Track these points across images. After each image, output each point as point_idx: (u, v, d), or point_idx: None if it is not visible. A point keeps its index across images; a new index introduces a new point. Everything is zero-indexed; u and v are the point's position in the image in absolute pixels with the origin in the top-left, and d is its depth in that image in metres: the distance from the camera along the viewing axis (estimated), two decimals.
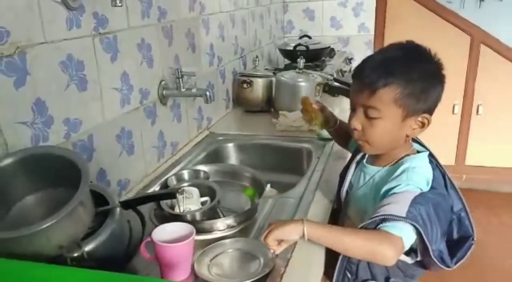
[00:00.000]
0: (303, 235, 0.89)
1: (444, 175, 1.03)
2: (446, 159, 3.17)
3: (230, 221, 1.05)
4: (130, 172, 1.29)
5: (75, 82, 1.03)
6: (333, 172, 1.41)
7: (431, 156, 1.05)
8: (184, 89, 1.46)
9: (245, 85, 2.02)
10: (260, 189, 1.22)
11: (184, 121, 1.62)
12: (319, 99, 1.97)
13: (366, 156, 1.12)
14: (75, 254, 0.78)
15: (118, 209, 0.89)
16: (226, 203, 1.17)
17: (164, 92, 1.44)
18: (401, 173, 0.97)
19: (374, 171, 1.06)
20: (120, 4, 1.00)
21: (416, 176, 0.95)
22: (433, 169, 1.00)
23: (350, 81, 2.16)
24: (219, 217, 1.09)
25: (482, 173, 3.24)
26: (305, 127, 1.77)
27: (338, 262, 1.04)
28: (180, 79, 1.45)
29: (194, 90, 1.48)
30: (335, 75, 2.29)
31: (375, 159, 1.09)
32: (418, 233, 0.90)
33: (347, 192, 1.14)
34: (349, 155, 1.59)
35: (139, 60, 1.30)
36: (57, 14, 0.96)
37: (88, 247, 0.83)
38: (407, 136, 0.99)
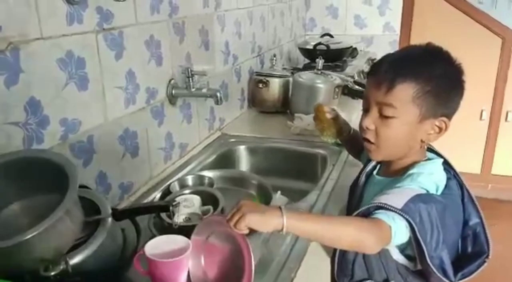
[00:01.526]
0: (282, 229, 0.76)
1: (461, 186, 0.96)
2: (471, 167, 3.04)
3: None
4: (133, 175, 1.24)
5: (75, 80, 0.98)
6: (348, 181, 1.32)
7: (447, 164, 0.97)
8: (194, 89, 1.40)
9: (261, 85, 1.95)
10: (267, 197, 1.15)
11: (194, 122, 1.56)
12: (337, 102, 1.89)
13: (377, 167, 1.05)
14: (58, 268, 0.72)
15: (110, 218, 0.84)
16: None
17: (173, 91, 1.38)
18: (405, 177, 0.90)
19: (383, 182, 0.98)
20: None
21: (423, 178, 0.88)
22: (448, 179, 0.93)
23: None
24: None
25: (509, 183, 3.10)
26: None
27: (336, 262, 0.97)
28: (190, 78, 1.38)
29: (204, 90, 1.41)
30: (356, 77, 2.19)
31: (385, 170, 1.02)
32: (413, 232, 0.82)
33: (357, 205, 1.05)
34: None
35: (146, 58, 1.24)
36: (56, 9, 0.91)
37: (74, 260, 0.78)
38: (422, 141, 0.92)
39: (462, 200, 0.95)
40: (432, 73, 0.88)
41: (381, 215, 0.82)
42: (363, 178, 1.06)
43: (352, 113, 1.90)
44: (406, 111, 0.88)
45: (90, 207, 0.88)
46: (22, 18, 0.84)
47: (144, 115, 1.26)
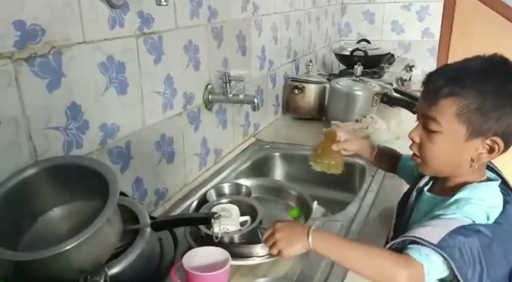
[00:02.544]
0: (308, 248, 0.83)
1: None
2: None
3: None
4: (168, 181, 1.22)
5: (115, 85, 0.97)
6: (390, 194, 1.27)
7: (507, 186, 0.89)
8: (231, 95, 1.37)
9: (296, 91, 1.90)
10: (306, 210, 1.10)
11: (229, 127, 1.53)
12: (375, 110, 1.83)
13: (430, 183, 0.97)
14: (97, 279, 0.70)
15: (148, 228, 0.81)
16: (268, 224, 1.06)
17: (210, 97, 1.35)
18: (452, 202, 0.82)
19: (432, 201, 0.91)
20: (165, 3, 0.92)
21: (471, 207, 0.80)
22: (507, 202, 0.84)
23: (411, 91, 2.02)
24: (260, 241, 0.98)
25: None
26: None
27: None
28: (228, 84, 1.36)
29: (241, 96, 1.38)
30: (394, 84, 2.12)
31: (438, 186, 0.94)
32: (452, 268, 0.75)
33: (406, 223, 0.98)
34: None
35: (185, 63, 1.22)
36: (98, 13, 0.90)
37: (113, 270, 0.75)
38: (472, 160, 0.84)
39: None
40: (482, 89, 0.80)
41: (413, 250, 0.76)
42: (414, 193, 0.98)
43: (390, 122, 1.84)
44: (451, 128, 0.82)
45: (127, 214, 0.86)
46: (65, 22, 0.83)
47: (181, 120, 1.24)
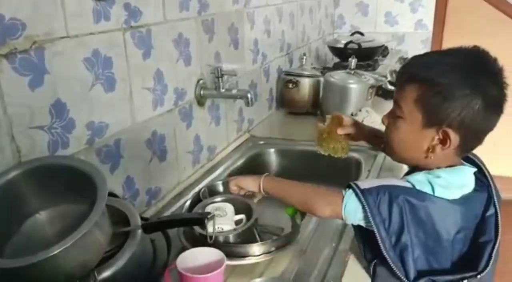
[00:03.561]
0: (259, 187, 0.97)
1: (491, 199, 0.87)
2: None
3: (267, 246, 0.91)
4: (161, 180, 1.18)
5: (101, 81, 0.93)
6: None
7: (483, 175, 0.88)
8: (223, 90, 1.33)
9: (290, 85, 1.87)
10: None
11: (223, 123, 1.49)
12: (370, 103, 1.80)
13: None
14: None
15: (140, 230, 0.78)
16: (263, 222, 1.04)
17: (202, 92, 1.32)
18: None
19: None
20: None
21: (416, 176, 0.83)
22: (475, 190, 0.85)
23: None
24: (255, 240, 0.96)
25: None
26: None
27: None
28: (220, 78, 1.32)
29: (234, 91, 1.35)
30: (389, 77, 2.09)
31: None
32: (366, 218, 0.81)
33: None
34: (405, 168, 1.42)
35: (175, 57, 1.18)
36: (82, 5, 0.86)
37: (104, 274, 0.73)
38: (428, 150, 0.84)
39: (483, 213, 0.86)
40: (444, 79, 0.79)
41: (343, 190, 0.85)
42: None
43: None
44: (410, 114, 0.84)
45: (118, 216, 0.83)
46: (47, 16, 0.79)
47: (172, 117, 1.20)
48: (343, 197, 0.84)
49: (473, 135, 0.83)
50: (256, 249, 0.91)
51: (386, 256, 0.80)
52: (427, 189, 0.81)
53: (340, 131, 1.11)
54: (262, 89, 1.80)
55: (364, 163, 1.47)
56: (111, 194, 0.87)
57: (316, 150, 1.18)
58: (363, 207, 0.81)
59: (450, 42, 3.16)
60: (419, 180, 0.82)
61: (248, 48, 1.62)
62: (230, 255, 0.87)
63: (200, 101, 1.33)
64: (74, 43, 0.85)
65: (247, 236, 0.96)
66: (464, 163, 0.89)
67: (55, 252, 0.62)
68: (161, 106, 1.15)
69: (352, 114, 1.70)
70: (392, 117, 0.88)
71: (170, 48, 1.15)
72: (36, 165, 0.74)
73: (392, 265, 0.81)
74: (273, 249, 0.92)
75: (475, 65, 0.81)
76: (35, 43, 0.76)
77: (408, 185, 0.82)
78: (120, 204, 0.83)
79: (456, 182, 0.84)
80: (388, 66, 2.35)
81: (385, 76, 2.05)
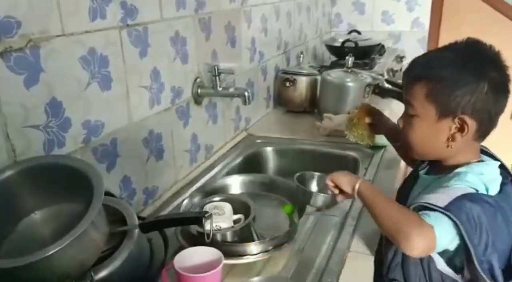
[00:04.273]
0: (354, 189, 0.91)
1: None
2: None
3: (264, 244, 0.91)
4: (158, 179, 1.18)
5: (98, 80, 0.92)
6: (383, 187, 1.24)
7: (504, 170, 0.90)
8: (221, 88, 1.33)
9: (287, 84, 1.87)
10: (301, 203, 1.07)
11: (220, 122, 1.49)
12: (367, 102, 1.79)
13: (427, 167, 0.99)
14: None
15: (137, 230, 0.78)
16: (261, 220, 1.03)
17: (199, 91, 1.31)
18: (452, 176, 0.85)
19: (427, 180, 0.94)
20: None
21: (471, 177, 0.83)
22: (503, 184, 0.86)
23: (401, 81, 2.00)
24: (253, 238, 0.95)
25: None
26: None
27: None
28: (217, 77, 1.32)
29: (232, 89, 1.34)
30: (385, 75, 2.09)
31: (433, 170, 0.97)
32: (460, 234, 0.77)
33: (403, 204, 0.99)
34: (402, 167, 1.42)
35: (172, 56, 1.17)
36: (78, 3, 0.85)
37: (100, 274, 0.72)
38: (448, 140, 0.87)
39: None
40: (447, 70, 0.84)
41: (423, 215, 0.78)
42: (412, 179, 1.01)
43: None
44: (423, 109, 0.87)
45: (114, 215, 0.83)
46: (42, 14, 0.78)
47: (169, 116, 1.20)
48: (432, 226, 0.76)
49: (487, 118, 0.85)
50: (253, 248, 0.91)
51: (479, 268, 0.78)
52: (482, 189, 0.82)
53: (368, 119, 1.19)
54: (259, 87, 1.80)
55: (361, 161, 1.47)
56: (108, 194, 0.86)
57: (345, 135, 1.25)
58: (458, 228, 0.77)
59: (446, 40, 3.12)
60: (475, 183, 0.82)
61: (245, 46, 1.61)
62: (227, 254, 0.87)
63: (197, 100, 1.32)
64: (70, 41, 0.84)
65: (245, 235, 0.96)
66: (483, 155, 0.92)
67: (51, 252, 0.61)
68: (158, 105, 1.14)
69: (349, 113, 1.70)
70: (406, 118, 0.91)
71: (167, 47, 1.15)
72: (31, 164, 0.74)
73: (484, 277, 0.79)
74: (270, 247, 0.92)
75: (472, 53, 0.85)
76: (31, 42, 0.76)
77: (472, 190, 0.81)
78: (117, 203, 0.82)
79: (495, 177, 0.86)
80: (385, 64, 2.35)
81: (382, 75, 2.05)
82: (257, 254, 0.91)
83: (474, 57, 0.85)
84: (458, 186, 0.81)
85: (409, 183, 1.01)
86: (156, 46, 1.09)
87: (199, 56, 1.30)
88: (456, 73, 0.83)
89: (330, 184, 0.97)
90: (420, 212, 0.79)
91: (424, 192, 0.86)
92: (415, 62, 0.91)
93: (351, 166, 1.50)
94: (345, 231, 1.05)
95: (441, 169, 0.92)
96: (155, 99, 1.12)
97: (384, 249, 0.94)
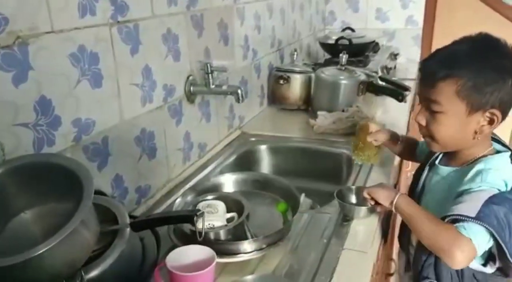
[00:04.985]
0: (392, 204, 0.96)
1: None
2: None
3: (258, 242, 0.91)
4: (151, 177, 1.17)
5: (88, 77, 0.91)
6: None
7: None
8: (213, 86, 1.32)
9: (281, 81, 1.86)
10: (294, 203, 1.06)
11: (213, 120, 1.48)
12: (361, 99, 1.80)
13: (440, 156, 1.06)
14: None
15: (128, 228, 0.77)
16: (255, 219, 1.02)
17: (191, 89, 1.30)
18: (474, 175, 0.91)
19: (446, 172, 1.02)
20: None
21: (492, 176, 0.90)
22: None
23: (395, 79, 2.00)
24: (246, 237, 0.95)
25: None
26: (345, 130, 1.60)
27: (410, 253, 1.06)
28: (210, 74, 1.31)
29: (224, 87, 1.33)
30: (379, 73, 2.09)
31: (448, 159, 1.04)
32: (493, 235, 0.85)
33: (420, 195, 1.08)
34: (397, 159, 1.43)
35: (164, 53, 1.16)
36: (67, 0, 0.84)
37: (91, 274, 0.71)
38: (475, 133, 0.93)
39: None
40: (476, 66, 0.88)
41: (459, 228, 0.84)
42: (426, 169, 1.08)
43: (376, 111, 1.82)
44: (452, 106, 0.90)
45: (106, 214, 0.82)
46: (31, 10, 0.77)
47: (162, 114, 1.19)
48: (469, 239, 0.83)
49: (508, 109, 0.92)
50: (247, 246, 0.90)
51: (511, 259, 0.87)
52: (503, 186, 0.89)
53: (369, 138, 1.22)
54: (253, 85, 1.79)
55: None
56: (99, 192, 0.86)
57: (354, 160, 1.32)
58: (490, 231, 0.84)
59: (440, 38, 3.18)
60: (496, 182, 0.88)
61: (238, 44, 1.60)
62: (220, 253, 0.86)
63: (190, 97, 1.31)
64: (59, 38, 0.83)
65: (239, 233, 0.95)
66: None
67: (41, 251, 0.60)
68: (150, 103, 1.13)
69: (343, 110, 1.70)
70: (430, 115, 0.94)
71: (159, 44, 1.14)
72: (20, 163, 0.72)
73: None
74: (264, 246, 0.91)
75: (492, 49, 0.91)
76: (19, 39, 0.74)
77: (495, 190, 0.88)
78: (108, 203, 0.81)
79: (510, 170, 0.93)
80: (379, 62, 2.34)
81: (376, 72, 2.04)
82: (250, 253, 0.90)
83: (495, 52, 0.90)
84: (482, 189, 0.87)
85: (423, 173, 1.07)
86: (147, 44, 1.08)
87: (191, 53, 1.29)
88: (483, 70, 0.88)
89: (367, 196, 1.03)
90: (456, 224, 0.85)
91: (451, 196, 0.92)
92: (434, 60, 0.93)
93: (345, 163, 1.50)
94: (339, 228, 1.05)
95: (457, 159, 1.00)
96: (147, 97, 1.11)
97: (417, 250, 1.01)
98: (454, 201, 0.90)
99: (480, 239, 0.84)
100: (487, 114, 0.90)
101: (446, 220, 0.87)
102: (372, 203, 1.03)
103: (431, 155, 1.08)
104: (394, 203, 0.95)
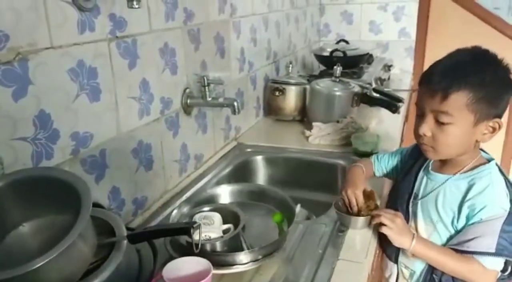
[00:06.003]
0: (409, 248, 1.00)
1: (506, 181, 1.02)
2: None
3: (254, 254, 0.91)
4: (147, 189, 1.18)
5: (86, 91, 0.93)
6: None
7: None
8: (210, 99, 1.34)
9: (277, 93, 1.88)
10: (289, 213, 1.07)
11: (210, 132, 1.50)
12: (355, 111, 1.82)
13: (431, 163, 1.09)
14: None
15: (125, 241, 0.78)
16: (251, 230, 1.04)
17: (188, 101, 1.32)
18: (484, 189, 0.96)
19: (442, 179, 1.04)
20: (137, 6, 0.89)
21: (498, 194, 0.96)
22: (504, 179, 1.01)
23: (389, 90, 2.02)
24: (242, 248, 0.96)
25: None
26: (340, 141, 1.63)
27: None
28: (207, 87, 1.32)
29: (221, 99, 1.35)
30: (373, 84, 2.12)
31: (440, 166, 1.06)
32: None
33: (409, 199, 1.10)
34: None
35: (161, 67, 1.18)
36: (66, 16, 0.86)
37: None
38: (476, 141, 0.98)
39: None
40: (484, 79, 0.92)
41: (483, 263, 0.93)
42: (420, 175, 1.09)
43: (370, 122, 1.84)
44: (462, 117, 0.93)
45: (103, 226, 0.82)
46: (31, 27, 0.79)
47: (159, 126, 1.20)
48: (493, 270, 0.94)
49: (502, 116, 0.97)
50: (243, 257, 0.91)
51: None
52: (507, 202, 0.97)
53: (368, 201, 1.14)
54: (249, 97, 1.81)
55: None
56: (97, 205, 0.86)
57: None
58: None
59: (432, 49, 3.23)
60: (503, 201, 0.96)
61: (234, 57, 1.63)
62: (217, 264, 0.87)
63: (187, 110, 1.33)
64: (58, 54, 0.84)
65: (235, 245, 0.96)
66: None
67: (39, 265, 0.61)
68: (147, 116, 1.15)
69: (338, 121, 1.72)
70: (437, 126, 0.96)
71: (156, 58, 1.16)
72: (19, 177, 0.73)
73: None
74: (260, 257, 0.92)
75: (491, 60, 0.96)
76: (19, 55, 0.76)
77: (503, 212, 0.95)
78: (105, 215, 0.82)
79: (501, 179, 1.00)
80: (373, 73, 2.38)
81: (370, 84, 2.07)
82: (246, 264, 0.91)
83: (499, 65, 0.95)
84: (493, 216, 0.94)
85: (417, 178, 1.09)
86: (145, 58, 1.10)
87: (188, 67, 1.31)
88: (493, 83, 0.92)
89: (378, 221, 1.01)
90: (478, 259, 0.93)
91: (454, 203, 0.99)
92: (441, 72, 0.94)
93: (340, 174, 1.52)
94: (334, 239, 1.06)
95: (450, 166, 1.03)
96: (144, 110, 1.13)
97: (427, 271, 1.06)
98: (467, 229, 0.97)
99: (501, 264, 0.94)
100: (491, 124, 0.95)
101: (465, 254, 0.95)
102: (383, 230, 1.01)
103: (414, 160, 1.12)
104: (411, 247, 0.99)
